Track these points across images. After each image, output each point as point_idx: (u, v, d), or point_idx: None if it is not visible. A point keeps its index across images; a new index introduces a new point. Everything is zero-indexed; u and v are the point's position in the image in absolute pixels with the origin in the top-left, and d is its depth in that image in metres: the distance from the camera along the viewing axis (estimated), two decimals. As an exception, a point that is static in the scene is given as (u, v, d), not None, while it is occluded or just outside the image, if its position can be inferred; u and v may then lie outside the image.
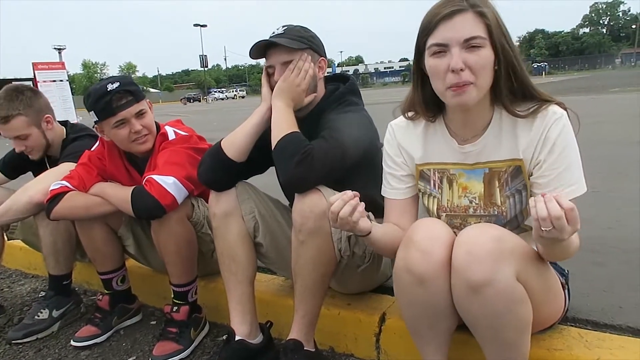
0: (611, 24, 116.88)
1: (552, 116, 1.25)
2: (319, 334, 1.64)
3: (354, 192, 1.23)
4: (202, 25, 70.11)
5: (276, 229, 1.73)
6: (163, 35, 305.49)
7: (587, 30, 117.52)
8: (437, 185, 1.42)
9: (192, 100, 63.09)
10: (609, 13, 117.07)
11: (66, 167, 2.08)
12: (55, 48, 15.90)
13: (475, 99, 1.23)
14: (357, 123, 1.59)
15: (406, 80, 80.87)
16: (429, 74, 1.26)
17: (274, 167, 1.82)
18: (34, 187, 2.06)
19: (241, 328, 1.65)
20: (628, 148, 4.91)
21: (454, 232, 1.38)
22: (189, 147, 1.92)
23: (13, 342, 2.06)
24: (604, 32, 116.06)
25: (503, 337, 1.19)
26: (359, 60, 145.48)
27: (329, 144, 1.47)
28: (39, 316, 2.14)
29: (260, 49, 1.63)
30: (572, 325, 1.53)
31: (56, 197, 1.89)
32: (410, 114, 1.43)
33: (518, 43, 1.29)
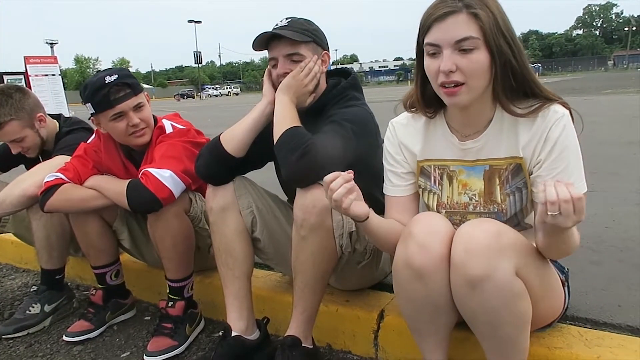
0: (604, 26, 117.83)
1: (553, 115, 1.24)
2: (317, 331, 1.63)
3: (350, 171, 1.21)
4: (196, 22, 69.84)
5: (274, 224, 1.71)
6: (157, 31, 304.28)
7: (580, 32, 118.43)
8: (437, 181, 1.42)
9: (185, 97, 62.89)
10: (602, 15, 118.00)
11: (60, 160, 2.05)
12: (47, 42, 15.71)
13: (468, 100, 1.23)
14: (360, 117, 1.58)
15: (401, 79, 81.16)
16: (426, 73, 1.26)
17: (271, 163, 1.82)
18: (27, 180, 2.03)
19: (238, 324, 1.64)
20: (622, 148, 4.96)
21: (454, 228, 1.38)
22: (186, 141, 1.90)
23: (4, 337, 2.03)
24: (597, 34, 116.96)
25: (502, 333, 1.18)
26: (353, 58, 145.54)
27: (331, 138, 1.45)
28: (30, 311, 2.10)
29: (264, 40, 1.61)
30: (571, 324, 1.52)
31: (50, 189, 1.86)
32: (412, 108, 1.42)
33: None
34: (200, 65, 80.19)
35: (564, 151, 1.23)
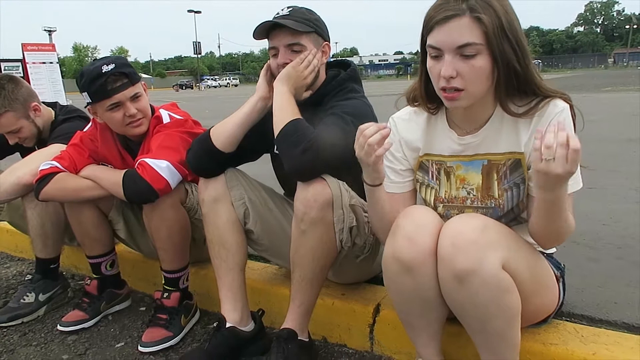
0: (605, 23, 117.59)
1: (553, 109, 1.23)
2: (312, 324, 1.62)
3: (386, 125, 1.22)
4: (196, 12, 69.46)
5: (268, 215, 1.70)
6: (156, 21, 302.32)
7: (581, 29, 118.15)
8: (434, 176, 1.41)
9: (184, 87, 62.65)
10: (603, 13, 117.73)
11: (56, 148, 2.02)
12: (45, 30, 15.57)
13: (467, 104, 1.23)
14: (360, 110, 1.56)
15: (400, 73, 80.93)
16: (429, 73, 1.25)
17: (266, 155, 1.80)
18: (22, 168, 2.01)
19: (232, 315, 1.63)
20: (621, 145, 4.95)
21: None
22: (183, 132, 1.88)
23: (-2, 325, 2.02)
24: (598, 31, 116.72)
25: (490, 327, 1.18)
26: (353, 52, 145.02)
27: (333, 131, 1.44)
28: (24, 300, 2.09)
29: (264, 29, 1.59)
30: (567, 320, 1.52)
31: (45, 177, 1.84)
32: (415, 102, 1.41)
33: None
34: (199, 55, 79.80)
35: None
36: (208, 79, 76.00)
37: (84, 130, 2.00)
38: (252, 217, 1.66)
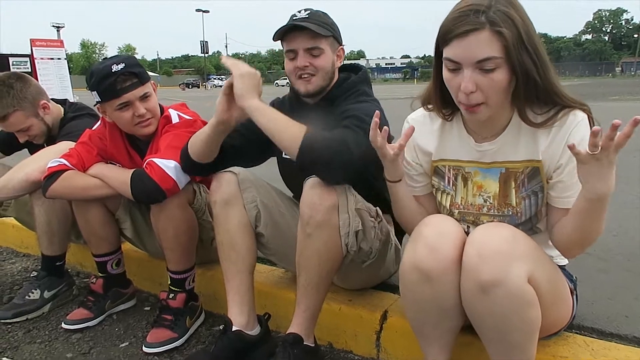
0: (613, 32, 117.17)
1: (573, 120, 1.23)
2: (318, 329, 1.60)
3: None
4: (204, 11, 69.72)
5: (279, 219, 1.69)
6: (164, 19, 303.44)
7: (589, 37, 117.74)
8: (451, 182, 1.40)
9: (190, 86, 62.67)
10: (612, 21, 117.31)
11: (64, 146, 2.02)
12: (53, 26, 15.63)
13: (487, 116, 1.22)
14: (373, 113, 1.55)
15: (407, 77, 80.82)
16: (446, 84, 1.23)
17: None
18: (31, 165, 2.01)
19: (238, 318, 1.61)
20: (628, 155, 4.91)
21: (467, 228, 1.37)
22: (192, 132, 1.84)
23: (2, 321, 2.01)
24: (606, 39, 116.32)
25: (509, 339, 1.17)
26: (360, 55, 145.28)
27: (358, 134, 1.40)
28: (29, 296, 2.09)
29: (283, 31, 1.58)
30: (577, 333, 1.50)
31: (53, 174, 1.84)
32: (430, 105, 1.40)
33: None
34: (206, 55, 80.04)
35: None
36: (215, 79, 76.11)
37: (93, 128, 2.00)
38: (264, 220, 1.65)
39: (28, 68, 9.87)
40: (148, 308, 2.14)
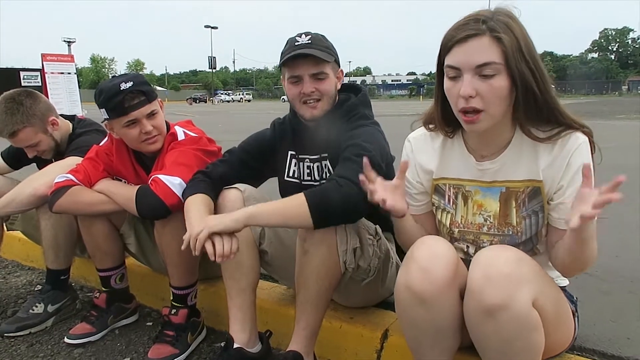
0: (620, 50, 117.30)
1: (575, 142, 1.24)
2: (319, 347, 1.61)
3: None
4: (213, 27, 70.58)
5: (283, 236, 1.70)
6: (173, 35, 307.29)
7: (595, 55, 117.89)
8: (451, 200, 1.41)
9: (198, 101, 63.25)
10: (618, 40, 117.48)
11: (72, 161, 2.06)
12: (64, 41, 15.91)
13: (487, 126, 1.23)
14: (376, 139, 1.58)
15: (413, 94, 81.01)
16: (447, 95, 1.25)
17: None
18: (38, 180, 2.04)
19: (240, 336, 1.62)
20: (634, 174, 4.89)
21: (466, 247, 1.37)
22: (197, 149, 1.90)
23: (5, 335, 2.02)
24: (612, 58, 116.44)
25: None
26: (367, 71, 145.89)
27: (358, 164, 1.36)
28: (33, 310, 2.10)
29: (289, 57, 1.59)
30: (578, 355, 1.49)
31: (60, 190, 1.87)
32: (431, 126, 1.41)
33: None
34: (214, 70, 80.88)
35: None
36: (222, 94, 76.80)
37: (100, 144, 2.03)
38: (267, 238, 1.66)
39: (38, 82, 10.03)
40: (150, 323, 2.15)
